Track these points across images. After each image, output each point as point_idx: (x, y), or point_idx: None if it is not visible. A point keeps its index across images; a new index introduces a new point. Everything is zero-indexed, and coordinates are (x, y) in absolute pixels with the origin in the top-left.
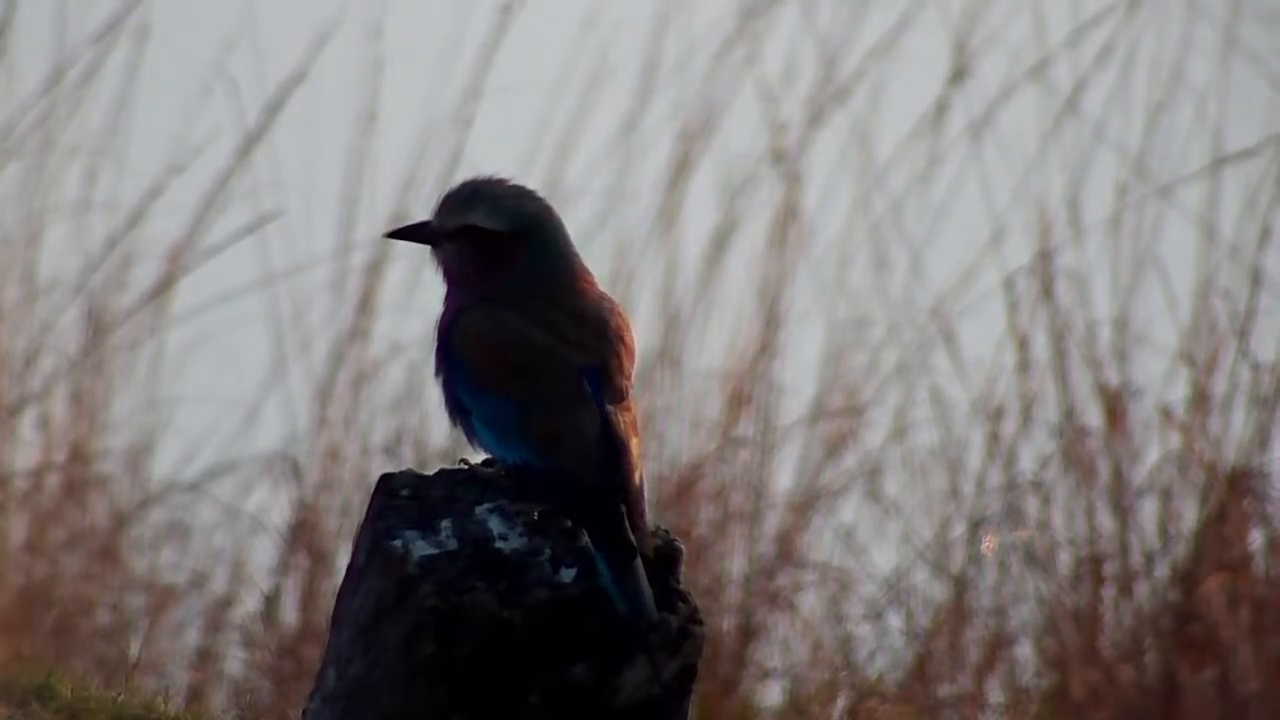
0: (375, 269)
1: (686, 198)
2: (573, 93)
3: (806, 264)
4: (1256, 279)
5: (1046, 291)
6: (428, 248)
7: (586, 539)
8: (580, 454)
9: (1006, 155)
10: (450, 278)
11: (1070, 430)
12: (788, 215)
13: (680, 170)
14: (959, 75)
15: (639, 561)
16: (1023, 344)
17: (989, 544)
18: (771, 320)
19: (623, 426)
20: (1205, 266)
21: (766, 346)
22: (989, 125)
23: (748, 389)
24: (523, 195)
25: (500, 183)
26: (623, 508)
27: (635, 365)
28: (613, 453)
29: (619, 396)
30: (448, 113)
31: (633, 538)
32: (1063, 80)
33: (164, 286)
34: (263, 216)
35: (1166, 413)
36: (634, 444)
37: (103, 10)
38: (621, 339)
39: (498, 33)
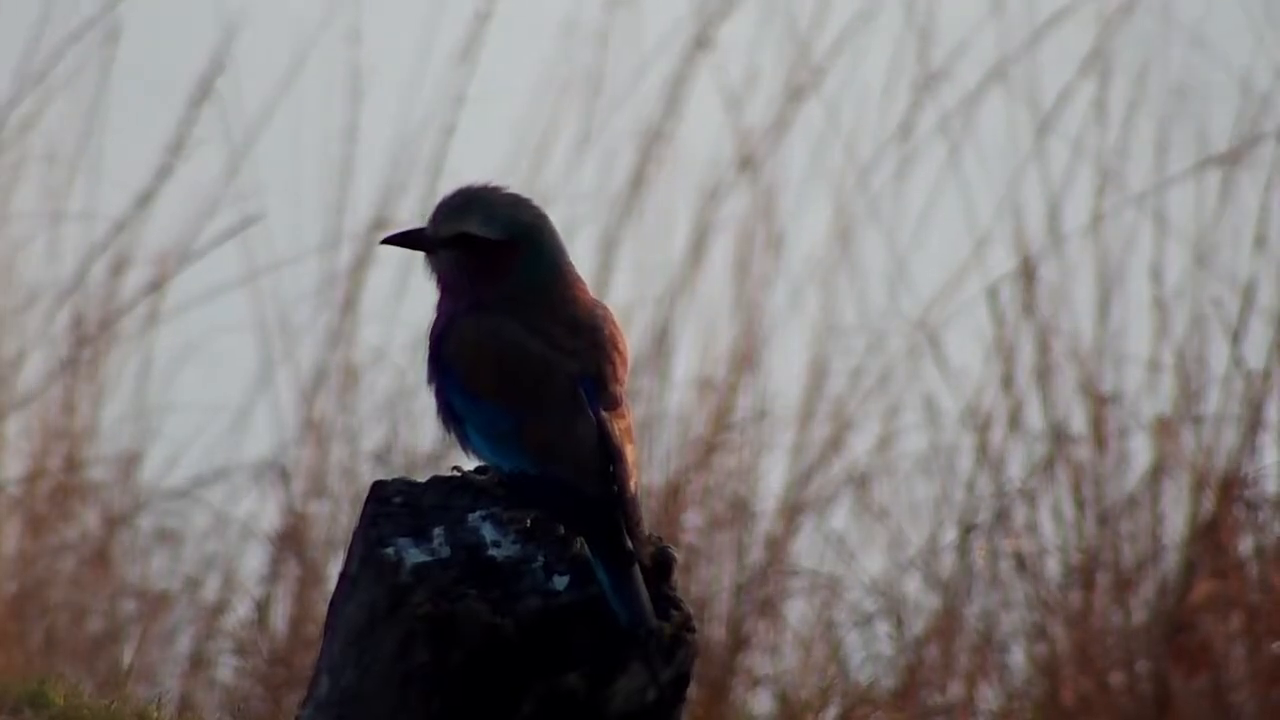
0: (359, 274)
1: (661, 203)
2: (552, 97)
3: (786, 271)
4: (1251, 285)
5: (1029, 299)
6: (421, 254)
7: (581, 546)
8: (576, 462)
9: (985, 160)
10: (444, 285)
11: (1056, 437)
12: (761, 221)
13: (643, 174)
14: (929, 82)
15: (637, 569)
16: (1008, 352)
17: (980, 550)
18: (754, 327)
19: (618, 434)
20: (1191, 271)
21: (751, 353)
22: (966, 131)
23: (732, 397)
24: (517, 203)
25: (495, 190)
26: (620, 515)
27: (628, 373)
28: (609, 460)
29: (614, 404)
30: (429, 118)
31: (630, 545)
32: (1040, 83)
33: (151, 289)
34: (245, 219)
35: (1160, 420)
36: (629, 451)
37: (84, 12)
38: (616, 346)
39: (475, 38)
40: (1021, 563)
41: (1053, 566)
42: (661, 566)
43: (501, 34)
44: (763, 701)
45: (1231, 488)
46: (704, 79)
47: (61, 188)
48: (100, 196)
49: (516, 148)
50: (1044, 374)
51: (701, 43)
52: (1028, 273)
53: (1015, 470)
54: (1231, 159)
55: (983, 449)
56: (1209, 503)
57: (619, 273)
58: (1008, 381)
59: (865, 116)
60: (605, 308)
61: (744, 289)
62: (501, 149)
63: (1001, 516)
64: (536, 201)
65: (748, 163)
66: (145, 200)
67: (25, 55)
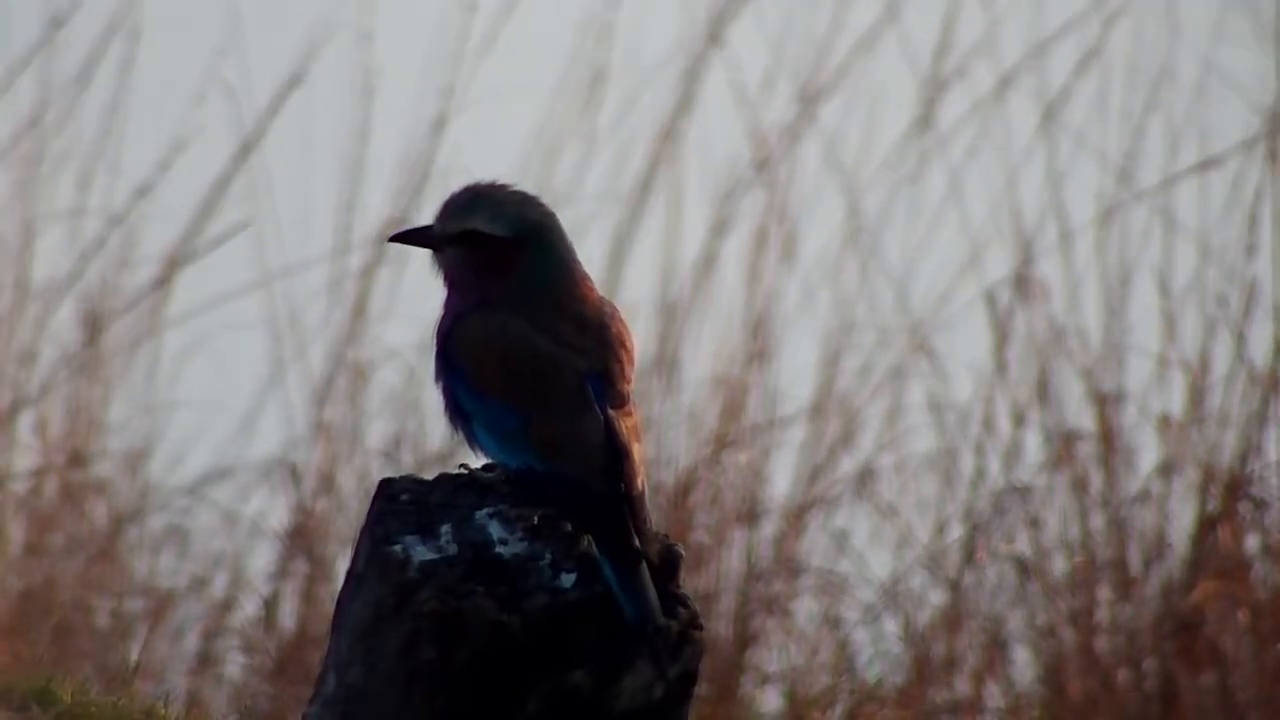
0: (369, 273)
1: (675, 202)
2: (563, 96)
3: (797, 270)
4: (1253, 285)
5: (1034, 298)
6: (429, 252)
7: (588, 544)
8: (583, 460)
9: (991, 160)
10: (451, 282)
11: (1062, 436)
12: (773, 222)
13: (655, 174)
14: (939, 87)
15: (644, 566)
16: (1002, 349)
17: (984, 551)
18: (763, 326)
19: (625, 432)
20: (1194, 270)
21: (760, 352)
22: (978, 130)
23: (742, 395)
24: (525, 201)
25: (502, 188)
26: (627, 513)
27: (635, 371)
28: (616, 458)
29: (621, 402)
30: (440, 117)
31: (637, 543)
32: (1047, 85)
33: (158, 283)
34: (236, 225)
35: (1165, 419)
36: (636, 449)
37: (96, 13)
38: (623, 344)
39: (488, 37)
40: (1028, 561)
41: (1059, 564)
42: (668, 565)
43: (514, 32)
44: (770, 699)
45: (1238, 486)
46: (718, 79)
47: (81, 185)
48: (117, 194)
49: (529, 147)
50: (1050, 372)
51: (714, 38)
52: (1030, 269)
53: (1022, 468)
54: (1238, 153)
55: (985, 447)
56: (1215, 501)
57: (631, 271)
58: (1014, 379)
59: (879, 117)
60: (613, 306)
61: (756, 288)
62: (514, 148)
63: (1008, 515)
64: (544, 200)
65: (763, 164)
66: (143, 194)
67: (45, 53)
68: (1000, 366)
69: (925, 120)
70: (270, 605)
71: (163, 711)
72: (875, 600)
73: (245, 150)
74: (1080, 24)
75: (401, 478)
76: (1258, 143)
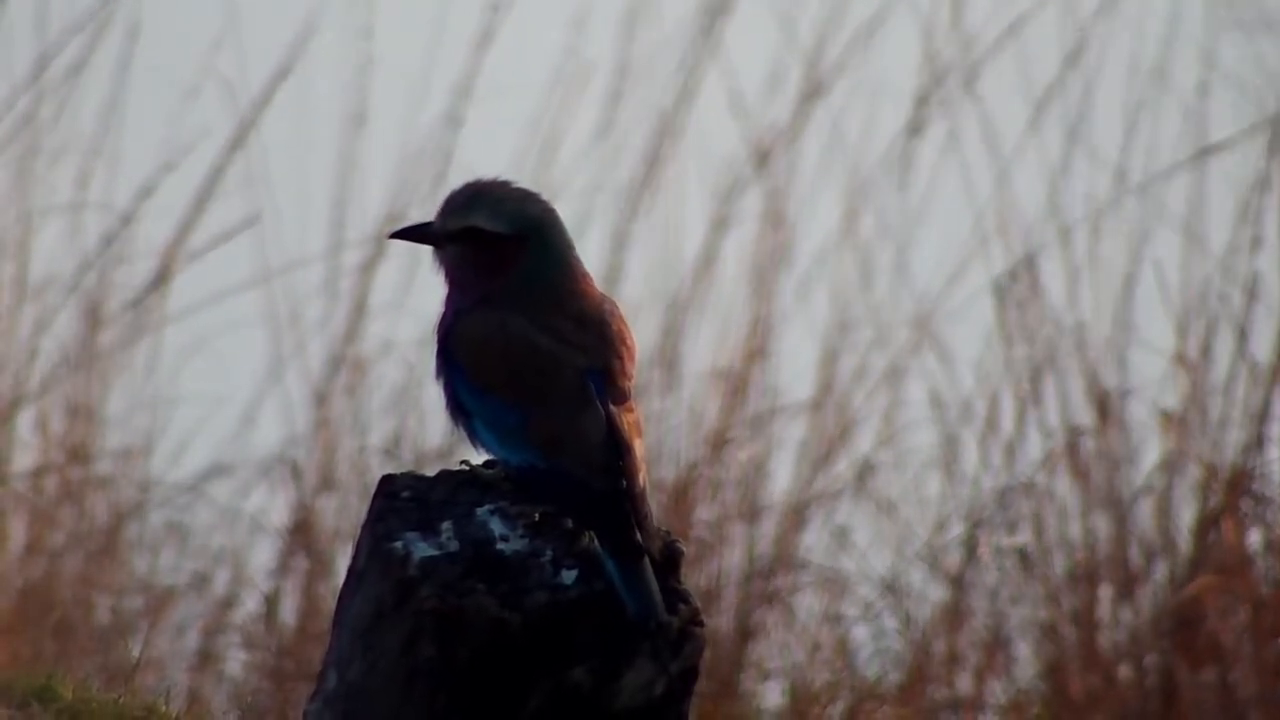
0: (368, 269)
1: (675, 199)
2: (563, 91)
3: (798, 266)
4: (1253, 280)
5: (1033, 293)
6: (429, 248)
7: (589, 540)
8: (585, 456)
9: (991, 155)
10: (451, 279)
11: (1064, 432)
12: (774, 216)
13: (655, 169)
14: (935, 82)
15: (646, 562)
16: (1009, 345)
17: (985, 547)
18: (764, 321)
19: (626, 428)
20: (1196, 266)
21: (761, 347)
22: (973, 121)
23: (743, 390)
24: (525, 198)
25: (503, 185)
26: (628, 509)
27: (636, 367)
28: (617, 454)
29: (621, 398)
30: (438, 112)
31: (640, 539)
32: (1044, 77)
33: (158, 281)
34: (244, 220)
35: (1166, 415)
36: (638, 445)
37: (88, 5)
38: (623, 341)
39: (488, 31)
40: (1029, 557)
41: (1060, 561)
42: (669, 560)
43: (512, 27)
44: (771, 695)
45: (1239, 482)
46: (718, 74)
47: (79, 180)
48: (117, 189)
49: (527, 142)
50: (1052, 368)
51: (706, 30)
52: (1030, 264)
53: (1023, 464)
54: (1235, 144)
55: (986, 443)
56: (1217, 497)
57: (631, 267)
58: (1015, 375)
59: (880, 111)
60: (613, 303)
61: (756, 283)
62: (512, 143)
63: (1009, 511)
64: (545, 196)
65: (763, 159)
66: (147, 194)
67: (43, 49)
68: (1002, 362)
69: (924, 115)
70: (271, 602)
71: (163, 708)
72: (876, 597)
73: (238, 142)
74: (1077, 17)
75: (402, 474)
76: (1258, 132)
